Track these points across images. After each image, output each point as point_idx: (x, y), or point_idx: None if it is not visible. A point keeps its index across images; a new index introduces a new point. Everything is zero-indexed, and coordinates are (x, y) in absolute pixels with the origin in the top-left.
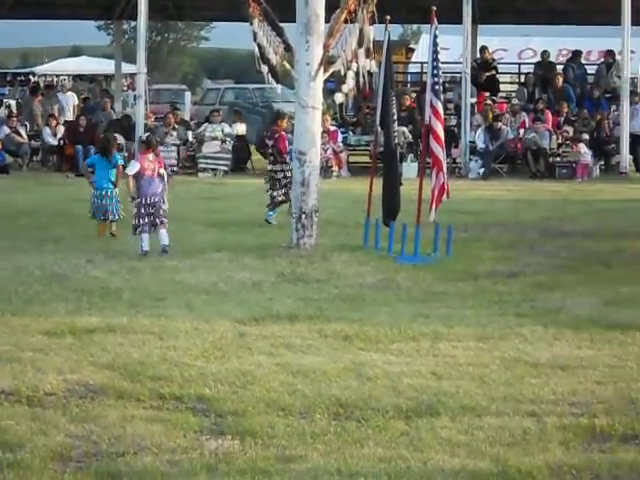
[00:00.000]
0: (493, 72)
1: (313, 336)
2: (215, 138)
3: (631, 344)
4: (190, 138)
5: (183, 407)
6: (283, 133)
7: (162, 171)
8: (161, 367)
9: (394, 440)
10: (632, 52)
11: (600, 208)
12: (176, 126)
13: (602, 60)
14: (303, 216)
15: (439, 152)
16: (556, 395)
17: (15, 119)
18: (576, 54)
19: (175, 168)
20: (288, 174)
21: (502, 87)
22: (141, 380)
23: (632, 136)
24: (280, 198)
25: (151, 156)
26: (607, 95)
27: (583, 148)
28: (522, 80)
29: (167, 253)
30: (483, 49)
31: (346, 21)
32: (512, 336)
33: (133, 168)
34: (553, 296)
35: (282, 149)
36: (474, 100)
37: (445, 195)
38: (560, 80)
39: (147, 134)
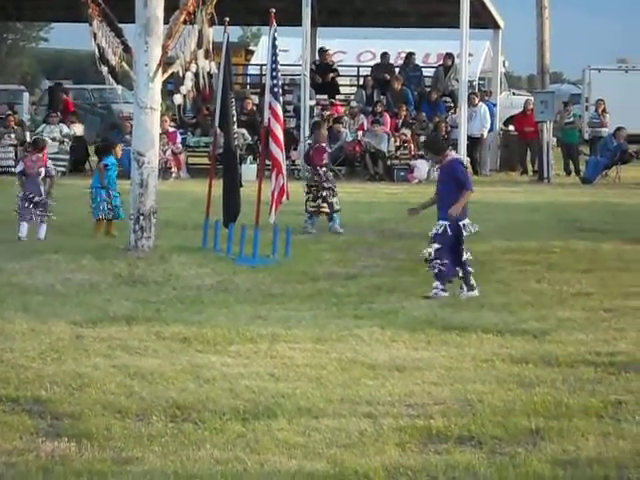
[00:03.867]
0: (332, 74)
1: (151, 338)
2: (53, 139)
3: (467, 345)
4: (28, 139)
5: (19, 409)
6: (323, 144)
7: (41, 170)
8: None
9: (231, 442)
10: (470, 55)
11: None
12: (15, 127)
13: (440, 63)
14: (141, 218)
15: (278, 154)
16: (392, 396)
17: None
18: (409, 56)
19: (12, 169)
20: (321, 186)
21: (341, 89)
22: None
23: (469, 139)
24: (312, 209)
25: (35, 156)
26: (445, 98)
27: (420, 162)
28: (361, 82)
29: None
30: (322, 51)
31: (185, 22)
32: (349, 338)
33: (19, 167)
34: (390, 298)
35: (315, 160)
36: (313, 102)
37: (285, 197)
38: (398, 82)
39: (35, 136)
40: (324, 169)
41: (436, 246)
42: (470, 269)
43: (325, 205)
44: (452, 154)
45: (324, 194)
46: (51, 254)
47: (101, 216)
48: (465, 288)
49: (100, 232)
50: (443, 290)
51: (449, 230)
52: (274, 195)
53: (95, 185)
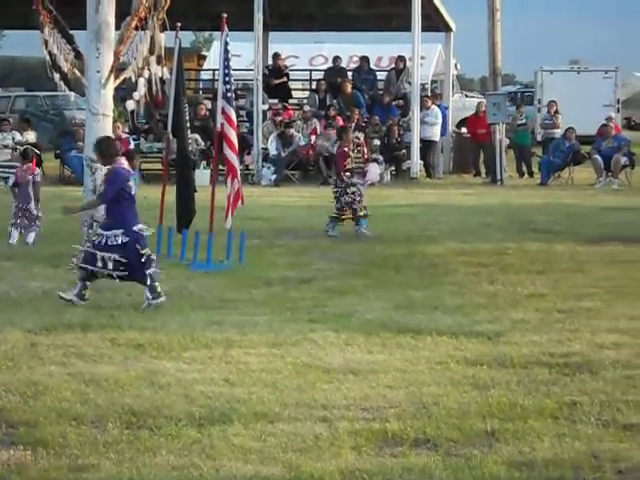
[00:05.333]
0: (284, 79)
1: (105, 345)
2: (6, 146)
3: (422, 348)
4: None
5: None
6: (345, 149)
7: (30, 178)
8: None
9: (187, 448)
10: (422, 58)
11: (391, 213)
12: None
13: (393, 66)
14: (95, 224)
15: (233, 159)
16: (348, 400)
17: None
18: (363, 60)
19: None
20: (344, 191)
21: (294, 94)
22: None
23: (422, 141)
24: (334, 214)
25: (26, 166)
26: (398, 101)
27: (373, 165)
28: (314, 87)
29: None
30: (276, 55)
31: (137, 28)
32: (304, 342)
33: (11, 180)
34: (345, 301)
35: (339, 168)
36: (266, 107)
37: (240, 202)
38: (349, 86)
39: (25, 147)
40: (347, 174)
41: (116, 257)
42: (154, 282)
43: (348, 211)
44: (121, 163)
45: (348, 200)
46: (4, 261)
47: None
48: (150, 296)
49: None
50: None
51: (123, 239)
52: (230, 200)
53: None
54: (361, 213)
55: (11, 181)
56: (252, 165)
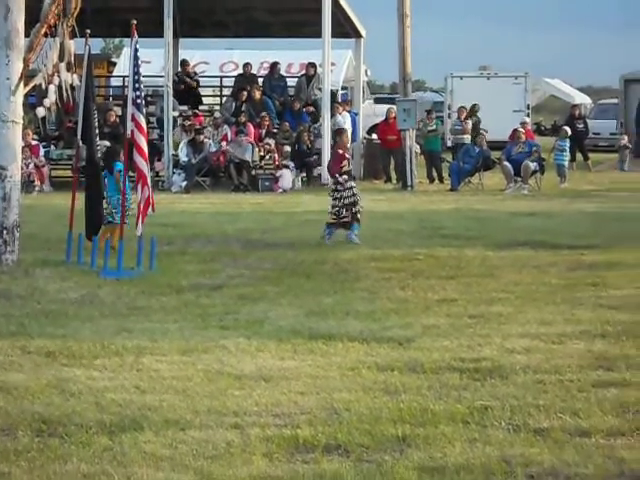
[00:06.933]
0: (194, 85)
1: (15, 353)
2: None
3: (333, 354)
4: None
5: None
6: (339, 151)
7: None
8: None
9: (98, 455)
10: (332, 64)
11: (302, 220)
12: None
13: (303, 72)
14: (4, 232)
15: (143, 166)
16: (259, 407)
17: None
18: (273, 66)
19: None
20: (344, 194)
21: (204, 100)
22: None
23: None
24: (332, 220)
25: None
26: (308, 107)
27: (285, 172)
28: (225, 93)
29: None
30: (183, 62)
31: (46, 35)
32: (216, 349)
33: None
34: (256, 308)
35: (333, 168)
36: (176, 113)
37: (150, 209)
38: (257, 93)
39: None
40: (344, 177)
41: None
42: None
43: (347, 215)
44: None
45: (345, 202)
46: None
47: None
48: None
49: (115, 237)
50: None
51: None
52: (140, 207)
53: (111, 191)
54: (358, 215)
55: None
56: (162, 172)
